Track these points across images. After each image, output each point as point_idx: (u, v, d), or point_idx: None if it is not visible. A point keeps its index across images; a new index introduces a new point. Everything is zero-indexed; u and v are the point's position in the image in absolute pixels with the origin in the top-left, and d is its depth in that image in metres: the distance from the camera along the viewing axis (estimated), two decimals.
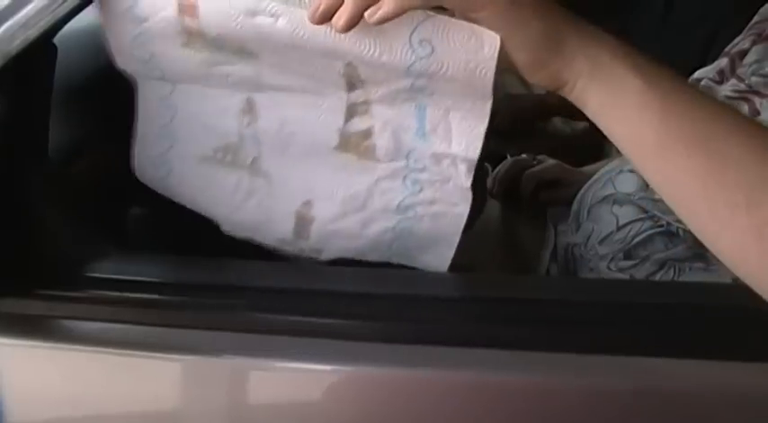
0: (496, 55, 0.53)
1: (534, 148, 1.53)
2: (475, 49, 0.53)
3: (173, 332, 0.63)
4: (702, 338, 0.60)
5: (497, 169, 1.13)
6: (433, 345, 0.60)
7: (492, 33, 0.52)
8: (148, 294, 0.64)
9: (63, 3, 0.61)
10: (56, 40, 0.66)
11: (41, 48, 0.63)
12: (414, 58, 0.54)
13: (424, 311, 0.62)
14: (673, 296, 0.65)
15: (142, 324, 0.64)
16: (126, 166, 0.70)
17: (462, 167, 0.61)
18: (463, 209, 0.63)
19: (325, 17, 0.52)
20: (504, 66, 0.53)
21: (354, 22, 0.51)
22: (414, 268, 0.68)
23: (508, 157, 1.17)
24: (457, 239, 0.64)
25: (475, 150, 0.60)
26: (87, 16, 0.65)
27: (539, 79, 0.52)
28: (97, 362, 0.64)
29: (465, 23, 0.53)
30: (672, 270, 0.78)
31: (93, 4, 0.62)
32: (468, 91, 0.56)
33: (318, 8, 0.52)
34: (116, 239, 0.70)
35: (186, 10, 0.59)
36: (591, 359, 0.59)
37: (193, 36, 0.60)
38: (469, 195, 0.62)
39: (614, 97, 0.50)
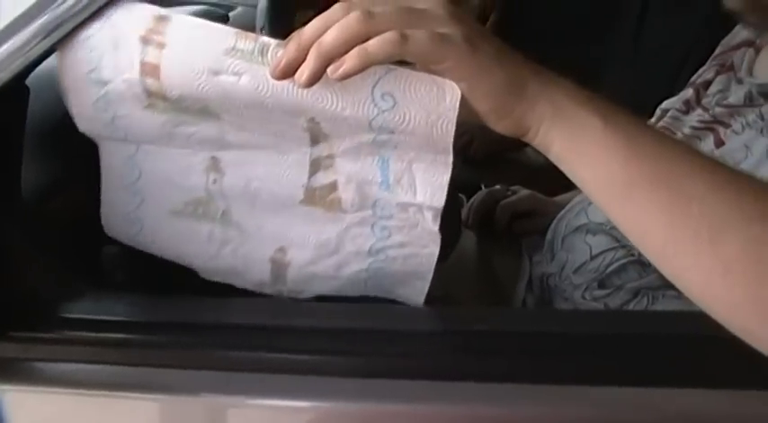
0: (457, 105, 0.53)
1: (508, 177, 1.55)
2: (437, 100, 0.54)
3: (149, 372, 0.63)
4: (677, 367, 0.60)
5: (472, 200, 1.14)
6: (411, 379, 0.60)
7: (453, 84, 0.53)
8: (124, 334, 0.64)
9: (36, 45, 0.62)
10: (28, 81, 0.66)
11: (14, 89, 0.63)
12: (376, 111, 0.55)
13: (401, 346, 0.62)
14: (647, 325, 0.65)
15: (118, 364, 0.63)
16: (100, 204, 0.70)
17: (429, 214, 0.61)
18: (433, 249, 0.63)
19: (288, 72, 0.52)
20: (468, 116, 0.54)
21: (317, 77, 0.51)
22: (392, 300, 0.69)
23: (482, 187, 1.18)
24: (430, 275, 0.64)
25: (440, 199, 0.60)
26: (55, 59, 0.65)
27: (503, 127, 0.52)
28: (73, 404, 0.64)
29: (427, 75, 0.53)
30: (645, 298, 0.79)
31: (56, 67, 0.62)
32: (431, 143, 0.56)
33: (280, 63, 0.52)
34: (91, 278, 0.69)
35: (149, 71, 0.59)
36: (566, 390, 0.59)
37: (155, 97, 0.61)
38: (438, 238, 0.62)
39: (576, 139, 0.51)
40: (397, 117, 0.55)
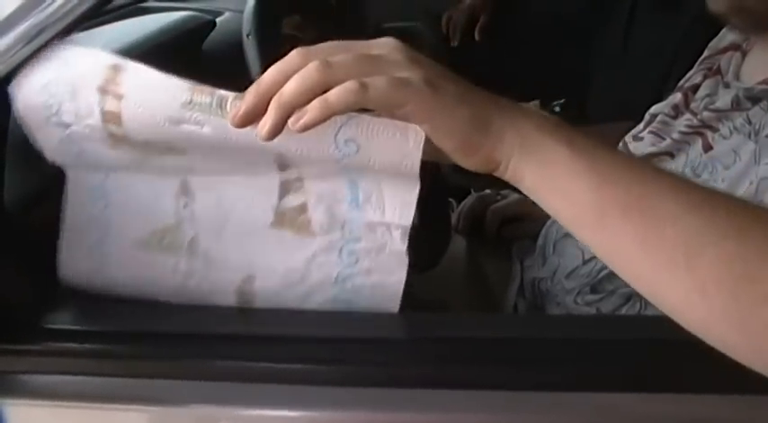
0: (421, 146, 0.53)
1: (498, 182, 1.55)
2: (400, 144, 0.54)
3: (135, 383, 0.62)
4: (671, 371, 0.60)
5: (461, 205, 1.14)
6: (403, 387, 0.60)
7: (416, 127, 0.52)
8: (109, 345, 0.63)
9: (18, 50, 0.61)
10: (10, 88, 0.65)
11: None
12: (341, 155, 0.55)
13: (392, 354, 0.61)
14: (639, 330, 0.65)
15: (104, 375, 0.62)
16: None
17: (397, 234, 0.61)
18: (400, 276, 0.63)
19: (248, 122, 0.52)
20: (436, 155, 0.53)
21: (279, 129, 0.50)
22: None
23: (472, 192, 1.18)
24: (397, 306, 0.64)
25: (408, 218, 0.60)
26: None
27: (472, 164, 0.52)
28: (58, 417, 0.63)
29: (389, 121, 0.53)
30: (638, 303, 0.79)
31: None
32: (398, 175, 0.56)
33: (240, 113, 0.51)
34: (74, 289, 0.68)
35: (110, 119, 0.59)
36: (559, 397, 0.59)
37: (121, 140, 0.61)
38: (405, 260, 0.62)
39: (546, 171, 0.50)
40: (362, 159, 0.55)
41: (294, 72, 0.49)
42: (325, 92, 0.49)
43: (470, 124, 0.50)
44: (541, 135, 0.50)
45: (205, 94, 0.55)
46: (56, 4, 0.61)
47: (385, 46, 0.51)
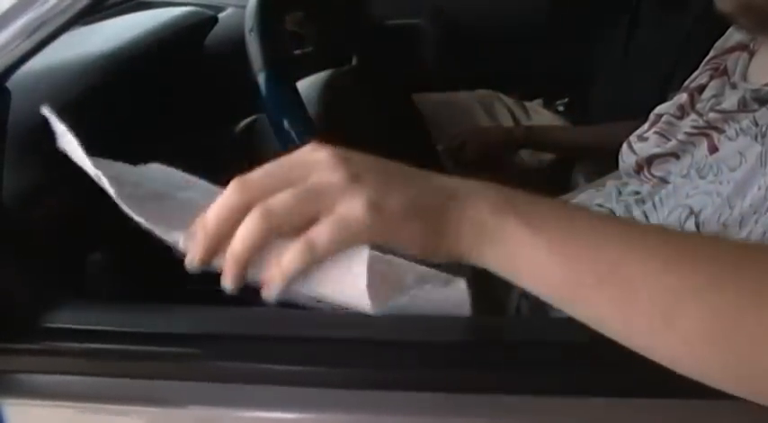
0: (365, 271, 0.51)
1: (501, 179, 1.54)
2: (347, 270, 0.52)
3: (135, 383, 0.62)
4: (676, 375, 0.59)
5: None
6: (403, 390, 0.59)
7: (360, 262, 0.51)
8: (109, 344, 0.62)
9: (16, 46, 0.60)
10: (9, 84, 0.64)
11: None
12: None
13: (392, 356, 0.60)
14: None
15: (103, 375, 0.62)
16: (84, 211, 0.68)
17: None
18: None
19: (203, 264, 0.52)
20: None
21: (241, 281, 0.51)
22: None
23: None
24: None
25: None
26: (40, 59, 0.64)
27: (439, 260, 0.52)
28: (57, 417, 0.62)
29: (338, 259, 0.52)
30: None
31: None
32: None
33: (194, 258, 0.52)
34: (75, 287, 0.68)
35: None
36: (563, 401, 0.58)
37: None
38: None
39: (509, 253, 0.49)
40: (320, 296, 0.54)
41: (236, 213, 0.50)
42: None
43: (424, 234, 0.50)
44: (498, 219, 0.49)
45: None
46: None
47: (323, 168, 0.50)
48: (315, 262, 0.50)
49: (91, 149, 0.65)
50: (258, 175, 0.51)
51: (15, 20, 0.60)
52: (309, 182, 0.50)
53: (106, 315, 0.65)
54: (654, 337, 0.48)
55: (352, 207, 0.49)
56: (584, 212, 0.53)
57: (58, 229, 0.67)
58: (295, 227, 0.49)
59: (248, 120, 1.03)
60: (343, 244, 0.49)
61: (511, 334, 0.64)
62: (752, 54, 0.82)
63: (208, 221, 0.51)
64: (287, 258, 0.49)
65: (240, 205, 0.50)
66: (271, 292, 0.51)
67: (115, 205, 0.53)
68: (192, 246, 0.52)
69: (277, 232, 0.49)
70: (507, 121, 1.81)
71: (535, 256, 0.49)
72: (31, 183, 0.70)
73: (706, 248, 0.49)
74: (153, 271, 0.70)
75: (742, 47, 0.84)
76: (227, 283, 0.51)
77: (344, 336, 0.62)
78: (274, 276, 0.50)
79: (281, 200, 0.49)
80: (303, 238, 0.49)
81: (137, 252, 0.69)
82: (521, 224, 0.49)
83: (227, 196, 0.50)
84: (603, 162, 1.08)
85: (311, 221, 0.49)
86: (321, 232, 0.49)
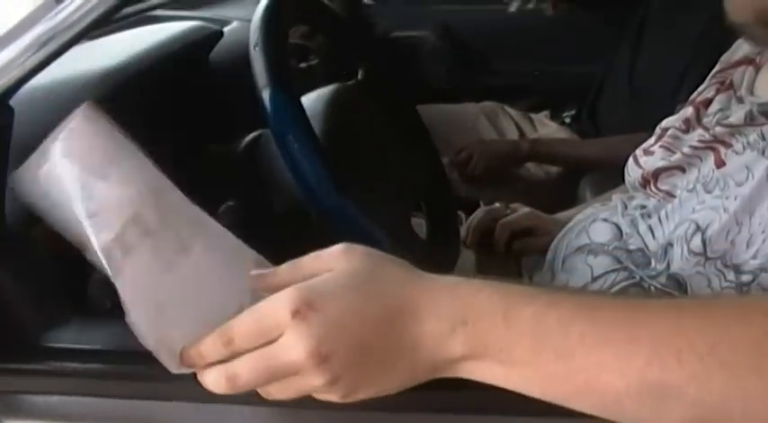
0: None
1: (508, 192, 1.54)
2: None
3: (136, 404, 0.61)
4: None
5: (471, 218, 1.12)
6: (400, 412, 0.59)
7: None
8: (111, 364, 0.62)
9: (20, 64, 0.60)
10: (15, 99, 0.64)
11: None
12: None
13: None
14: None
15: (104, 396, 0.62)
16: None
17: None
18: None
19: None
20: None
21: None
22: None
23: (481, 204, 1.16)
24: None
25: None
26: (46, 74, 0.64)
27: None
28: None
29: None
30: None
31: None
32: None
33: None
34: (76, 306, 0.67)
35: None
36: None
37: None
38: None
39: (488, 377, 0.51)
40: None
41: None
42: None
43: (399, 383, 0.52)
44: (470, 366, 0.51)
45: None
46: (64, 14, 0.60)
47: (305, 373, 0.50)
48: None
49: None
50: (246, 379, 0.51)
51: (25, 33, 0.60)
52: (293, 388, 0.52)
53: (108, 334, 0.64)
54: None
55: (327, 396, 0.52)
56: (558, 309, 0.51)
57: (60, 248, 0.67)
58: None
59: (254, 134, 1.02)
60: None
61: None
62: (758, 68, 0.81)
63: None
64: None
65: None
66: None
67: None
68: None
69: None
70: (513, 134, 1.81)
71: (515, 381, 0.51)
72: None
73: (691, 338, 0.49)
74: None
75: (748, 61, 0.83)
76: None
77: None
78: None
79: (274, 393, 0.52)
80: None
81: None
82: (496, 368, 0.51)
83: (212, 383, 0.52)
84: (610, 175, 1.08)
85: None
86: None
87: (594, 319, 0.51)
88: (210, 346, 0.52)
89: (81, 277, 0.74)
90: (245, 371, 0.51)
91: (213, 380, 0.52)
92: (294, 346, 0.49)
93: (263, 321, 0.51)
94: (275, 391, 0.52)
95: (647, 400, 0.48)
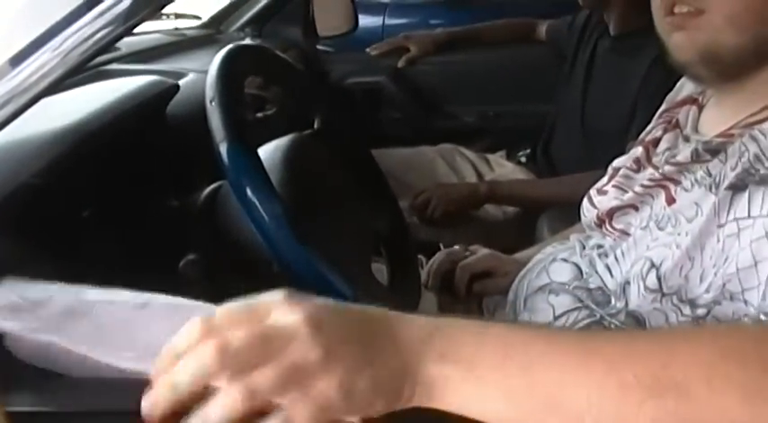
0: None
1: (467, 234, 1.55)
2: None
3: None
4: None
5: (431, 262, 1.13)
6: None
7: None
8: None
9: None
10: None
11: None
12: None
13: None
14: None
15: None
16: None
17: None
18: None
19: None
20: None
21: None
22: None
23: (441, 247, 1.17)
24: None
25: None
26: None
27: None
28: None
29: None
30: None
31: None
32: None
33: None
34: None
35: None
36: None
37: None
38: None
39: (460, 405, 0.51)
40: None
41: (211, 379, 0.49)
42: None
43: (383, 406, 0.51)
44: (447, 371, 0.51)
45: None
46: (20, 77, 0.61)
47: (299, 342, 0.49)
48: None
49: (58, 222, 0.64)
50: (239, 345, 0.49)
51: None
52: (288, 359, 0.49)
53: (67, 395, 0.63)
54: None
55: (327, 389, 0.49)
56: (519, 342, 0.53)
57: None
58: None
59: (212, 186, 1.02)
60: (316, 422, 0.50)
61: None
62: (701, 107, 0.84)
63: (178, 380, 0.49)
64: None
65: (217, 372, 0.48)
66: None
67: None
68: (153, 398, 0.50)
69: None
70: (470, 174, 1.82)
71: (479, 402, 0.51)
72: (14, 252, 0.69)
73: (658, 382, 0.49)
74: None
75: (692, 100, 0.87)
76: None
77: None
78: None
79: (264, 380, 0.48)
80: (282, 416, 0.49)
81: None
82: (465, 372, 0.51)
83: (202, 357, 0.48)
84: (567, 212, 1.10)
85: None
86: (300, 413, 0.49)
87: (551, 341, 0.53)
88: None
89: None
90: (235, 339, 0.48)
91: (231, 395, 0.48)
92: (288, 315, 0.50)
93: (253, 306, 0.51)
94: (271, 374, 0.48)
95: (605, 418, 0.49)
